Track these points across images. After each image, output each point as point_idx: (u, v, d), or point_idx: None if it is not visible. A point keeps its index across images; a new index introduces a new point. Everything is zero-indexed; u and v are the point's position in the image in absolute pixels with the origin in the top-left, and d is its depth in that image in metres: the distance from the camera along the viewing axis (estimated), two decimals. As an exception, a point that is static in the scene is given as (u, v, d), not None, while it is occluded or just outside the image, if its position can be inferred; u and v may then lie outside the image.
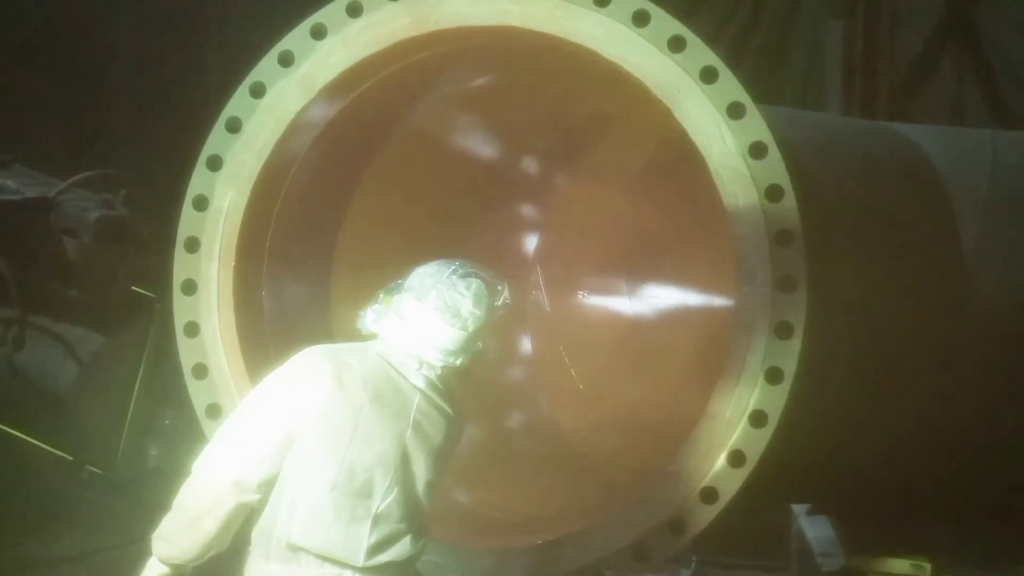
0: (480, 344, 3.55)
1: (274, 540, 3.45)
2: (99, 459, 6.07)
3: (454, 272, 3.50)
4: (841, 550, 4.26)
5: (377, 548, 3.44)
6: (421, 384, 3.51)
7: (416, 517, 3.50)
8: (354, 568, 3.43)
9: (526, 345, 6.09)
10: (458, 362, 3.52)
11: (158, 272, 5.46)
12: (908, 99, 9.24)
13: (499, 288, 3.54)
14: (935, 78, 9.23)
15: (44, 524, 6.29)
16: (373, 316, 3.54)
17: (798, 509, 4.55)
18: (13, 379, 6.04)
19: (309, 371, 3.47)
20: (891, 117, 8.42)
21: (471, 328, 3.49)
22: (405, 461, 3.47)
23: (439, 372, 3.52)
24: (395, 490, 3.45)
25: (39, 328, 6.00)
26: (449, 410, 3.55)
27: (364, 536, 3.42)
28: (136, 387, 6.05)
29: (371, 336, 3.56)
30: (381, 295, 3.55)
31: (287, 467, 3.44)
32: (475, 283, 3.50)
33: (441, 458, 3.54)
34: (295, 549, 3.43)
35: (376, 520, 3.43)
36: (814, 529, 4.35)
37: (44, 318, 6.02)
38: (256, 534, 3.48)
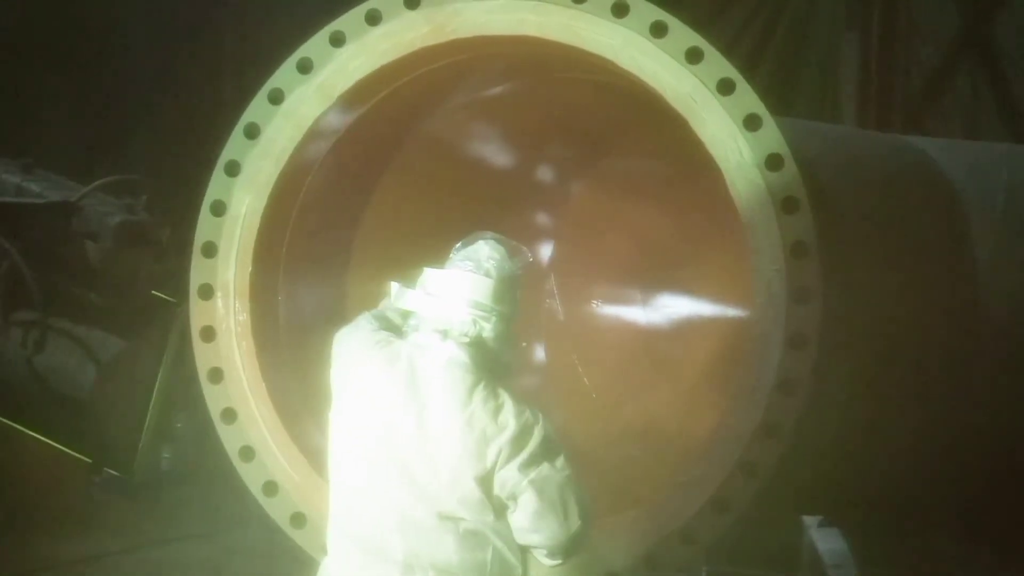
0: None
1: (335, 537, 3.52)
2: (117, 462, 6.09)
3: (468, 240, 3.60)
4: (852, 563, 4.26)
5: (413, 546, 3.36)
6: (441, 363, 3.40)
7: (463, 516, 3.37)
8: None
9: (539, 354, 6.10)
10: (490, 324, 3.42)
11: (178, 277, 5.49)
12: (923, 112, 9.23)
13: (516, 245, 3.58)
14: (950, 91, 9.22)
15: (58, 526, 6.32)
16: (397, 290, 3.55)
17: (809, 521, 4.55)
18: (33, 381, 6.06)
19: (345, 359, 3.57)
20: (906, 130, 8.41)
21: (495, 275, 3.45)
22: (422, 446, 3.36)
23: (468, 342, 3.41)
24: (418, 479, 3.36)
25: (60, 331, 6.01)
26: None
27: (393, 534, 3.37)
28: (155, 390, 6.06)
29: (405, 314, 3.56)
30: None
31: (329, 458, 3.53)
32: (490, 239, 3.58)
33: (491, 444, 3.34)
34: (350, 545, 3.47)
35: (403, 516, 3.36)
36: (825, 541, 4.34)
37: (65, 321, 6.04)
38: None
